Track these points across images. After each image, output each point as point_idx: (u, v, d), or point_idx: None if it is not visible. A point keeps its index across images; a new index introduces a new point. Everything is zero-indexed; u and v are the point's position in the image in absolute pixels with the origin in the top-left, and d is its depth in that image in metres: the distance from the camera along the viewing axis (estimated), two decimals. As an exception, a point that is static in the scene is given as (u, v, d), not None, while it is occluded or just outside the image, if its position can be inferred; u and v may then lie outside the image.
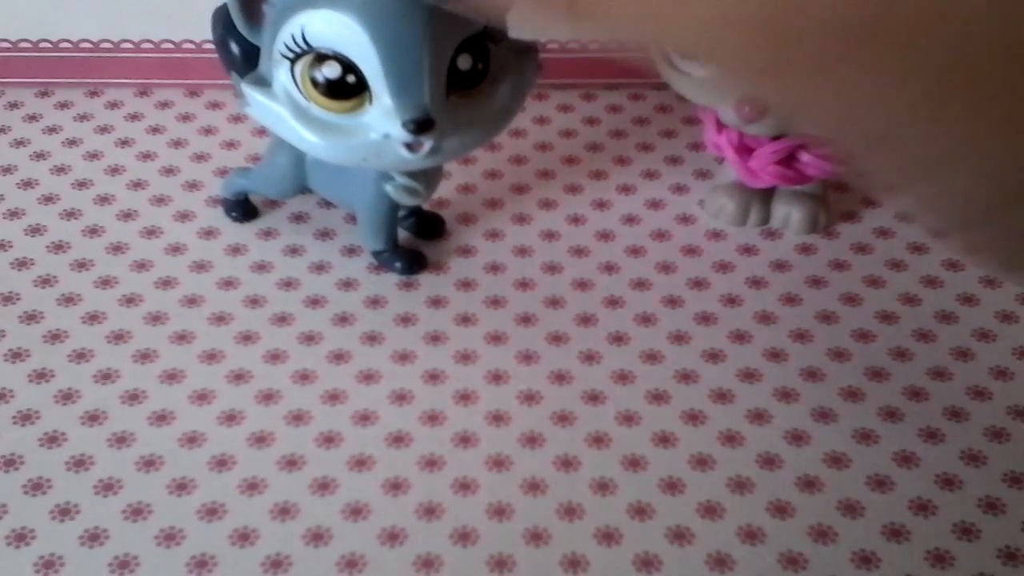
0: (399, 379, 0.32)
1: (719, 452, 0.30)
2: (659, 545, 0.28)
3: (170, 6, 0.41)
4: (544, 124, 0.42)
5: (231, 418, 0.31)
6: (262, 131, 0.40)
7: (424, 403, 0.31)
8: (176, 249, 0.36)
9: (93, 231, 0.36)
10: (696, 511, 0.28)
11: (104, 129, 0.41)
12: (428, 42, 0.28)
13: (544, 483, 0.29)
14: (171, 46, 0.42)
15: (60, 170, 0.39)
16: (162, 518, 0.28)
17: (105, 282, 0.35)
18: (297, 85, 0.29)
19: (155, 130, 0.41)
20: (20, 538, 0.27)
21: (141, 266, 0.35)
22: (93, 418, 0.30)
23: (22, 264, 0.35)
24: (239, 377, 0.32)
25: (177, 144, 0.40)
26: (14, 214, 0.37)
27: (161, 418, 0.30)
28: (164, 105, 0.42)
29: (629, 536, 0.28)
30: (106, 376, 0.32)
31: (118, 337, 0.33)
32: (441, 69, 0.28)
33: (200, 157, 0.40)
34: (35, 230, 0.36)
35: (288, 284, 0.35)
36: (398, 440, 0.30)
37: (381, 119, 0.29)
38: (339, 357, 0.32)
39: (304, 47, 0.28)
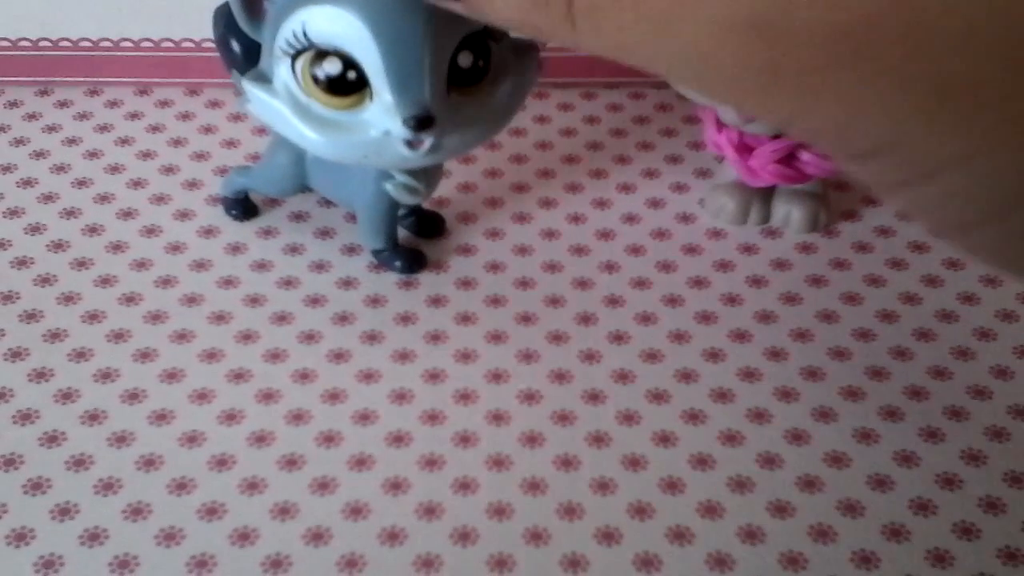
0: (399, 378, 0.32)
1: (719, 451, 0.30)
2: (659, 545, 0.28)
3: (170, 5, 0.41)
4: (544, 123, 0.42)
5: (231, 417, 0.31)
6: (262, 130, 0.40)
7: (424, 402, 0.31)
8: (176, 248, 0.36)
9: (93, 230, 0.36)
10: (696, 511, 0.28)
11: (104, 128, 0.41)
12: (429, 39, 0.28)
13: (544, 483, 0.29)
14: (171, 45, 0.42)
15: (60, 169, 0.39)
16: (162, 518, 0.28)
17: (105, 281, 0.35)
18: (298, 81, 0.29)
19: (155, 129, 0.41)
20: (20, 538, 0.27)
21: (141, 265, 0.35)
22: (93, 417, 0.30)
23: (22, 263, 0.35)
24: (239, 376, 0.32)
25: (177, 143, 0.40)
26: (13, 213, 0.37)
27: (161, 417, 0.30)
28: (164, 104, 0.42)
29: (629, 536, 0.28)
30: (106, 375, 0.32)
31: (118, 336, 0.33)
32: (442, 66, 0.28)
33: (200, 156, 0.40)
34: (35, 229, 0.36)
35: (288, 283, 0.35)
36: (398, 440, 0.30)
37: (382, 116, 0.29)
38: (339, 356, 0.32)
39: (305, 43, 0.28)
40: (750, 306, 0.34)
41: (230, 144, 0.40)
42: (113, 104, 0.42)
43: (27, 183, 0.38)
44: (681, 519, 0.28)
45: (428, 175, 0.33)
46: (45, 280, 0.35)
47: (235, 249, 0.36)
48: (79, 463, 0.29)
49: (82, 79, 0.42)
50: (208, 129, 0.41)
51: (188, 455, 0.30)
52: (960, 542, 0.28)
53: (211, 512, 0.28)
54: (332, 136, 0.29)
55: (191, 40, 0.42)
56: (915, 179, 0.21)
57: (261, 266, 0.35)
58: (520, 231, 0.37)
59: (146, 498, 0.28)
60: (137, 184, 0.38)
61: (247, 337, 0.33)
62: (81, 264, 0.35)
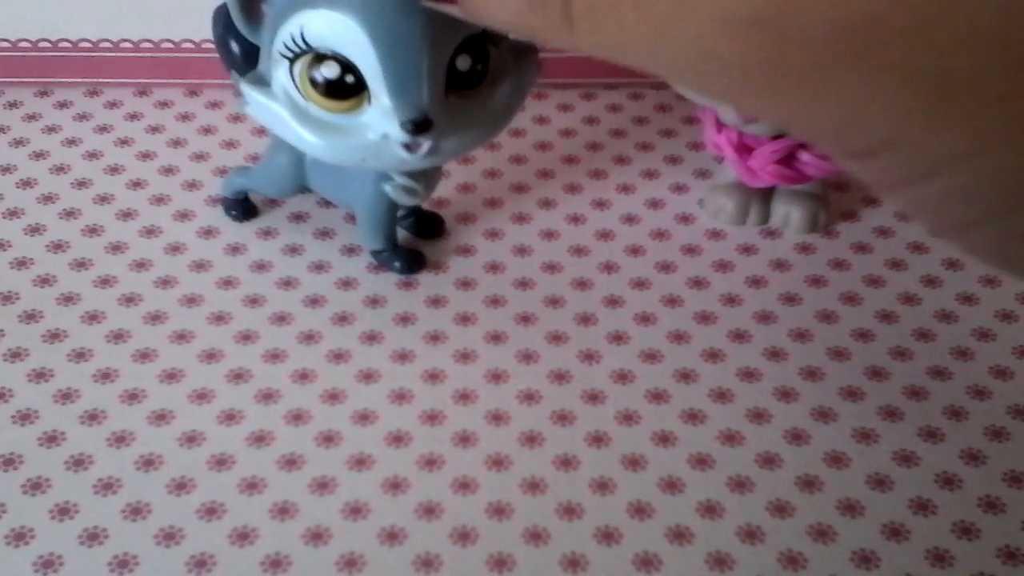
0: (398, 378, 0.32)
1: (719, 451, 0.30)
2: (659, 544, 0.28)
3: (169, 6, 0.41)
4: (544, 123, 0.42)
5: (230, 417, 0.31)
6: (261, 131, 0.40)
7: (424, 402, 0.31)
8: (175, 248, 0.36)
9: (92, 231, 0.36)
10: (696, 510, 0.28)
11: (103, 129, 0.41)
12: (427, 42, 0.28)
13: (544, 482, 0.29)
14: (170, 46, 0.42)
15: (59, 169, 0.39)
16: (161, 517, 0.28)
17: (104, 281, 0.35)
18: (296, 85, 0.29)
19: (154, 129, 0.41)
20: (19, 537, 0.27)
21: (140, 265, 0.35)
22: (92, 417, 0.30)
23: (21, 264, 0.35)
24: (238, 376, 0.32)
25: (176, 144, 0.40)
26: (13, 213, 0.37)
27: (160, 417, 0.30)
28: (163, 105, 0.42)
29: (629, 535, 0.28)
30: (105, 375, 0.32)
31: (117, 337, 0.33)
32: (440, 70, 0.28)
33: (199, 156, 0.40)
34: (34, 229, 0.36)
35: (287, 283, 0.35)
36: (397, 439, 0.30)
37: (379, 119, 0.29)
38: (338, 356, 0.32)
39: (303, 47, 0.28)
40: (749, 306, 0.34)
41: (230, 145, 0.40)
42: (113, 105, 0.42)
43: (27, 184, 0.38)
44: (681, 519, 0.28)
45: (427, 176, 0.33)
46: (45, 280, 0.35)
47: (235, 250, 0.36)
48: (79, 463, 0.29)
49: (82, 80, 0.42)
50: (208, 130, 0.41)
51: (188, 455, 0.30)
52: (960, 542, 0.28)
53: (211, 512, 0.28)
54: (330, 139, 0.29)
55: (191, 41, 0.42)
56: (915, 178, 0.20)
57: (261, 267, 0.35)
58: (520, 231, 0.37)
59: (145, 498, 0.28)
60: (137, 185, 0.38)
61: (247, 337, 0.33)
62: (81, 264, 0.35)
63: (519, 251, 0.36)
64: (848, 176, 0.38)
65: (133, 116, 0.42)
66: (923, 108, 0.19)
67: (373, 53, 0.28)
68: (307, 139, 0.29)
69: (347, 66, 0.28)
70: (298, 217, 0.37)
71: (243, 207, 0.37)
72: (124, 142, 0.40)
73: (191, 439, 0.30)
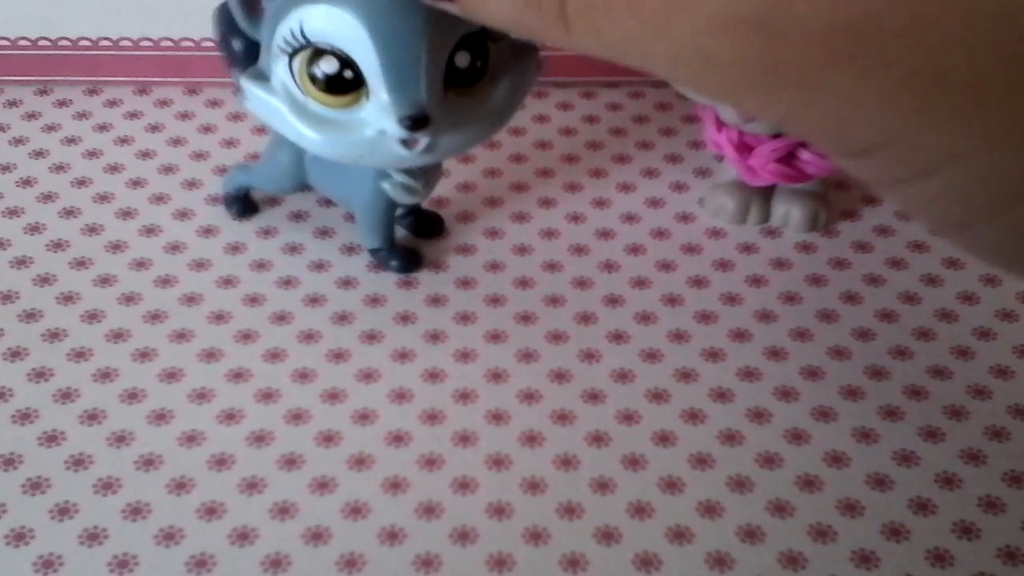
0: (398, 378, 0.32)
1: (719, 451, 0.30)
2: (659, 544, 0.28)
3: (169, 4, 0.41)
4: (543, 122, 0.42)
5: (230, 417, 0.31)
6: (261, 129, 0.40)
7: (423, 402, 0.31)
8: (175, 247, 0.36)
9: (92, 229, 0.36)
10: (696, 510, 0.28)
11: (103, 127, 0.41)
12: (426, 39, 0.28)
13: (544, 482, 0.29)
14: (170, 44, 0.42)
15: (59, 168, 0.39)
16: (161, 517, 0.28)
17: (104, 280, 0.35)
18: (295, 80, 0.29)
19: (154, 128, 0.41)
20: (19, 537, 0.27)
21: (140, 264, 0.35)
22: (92, 417, 0.30)
23: (21, 263, 0.35)
24: (238, 376, 0.32)
25: (176, 142, 0.40)
26: (13, 212, 0.37)
27: (160, 417, 0.30)
28: (163, 103, 0.42)
29: (629, 535, 0.28)
30: (105, 375, 0.32)
31: (117, 336, 0.33)
32: (439, 66, 0.28)
33: (199, 155, 0.40)
34: (34, 228, 0.36)
35: (287, 282, 0.35)
36: (397, 439, 0.30)
37: (377, 115, 0.29)
38: (338, 356, 0.32)
39: (302, 42, 0.28)
40: (750, 305, 0.34)
41: (229, 143, 0.40)
42: (112, 103, 0.42)
43: (26, 182, 0.38)
44: (681, 519, 0.28)
45: (426, 175, 0.33)
46: (44, 280, 0.34)
47: (234, 249, 0.36)
48: (78, 463, 0.29)
49: (81, 78, 0.42)
50: (207, 128, 0.41)
51: (187, 455, 0.30)
52: (960, 541, 0.28)
53: (210, 512, 0.28)
54: (328, 134, 0.29)
55: (190, 39, 0.42)
56: (913, 176, 0.20)
57: (260, 265, 0.35)
58: (519, 230, 0.37)
59: (145, 498, 0.28)
60: (136, 183, 0.38)
61: (246, 337, 0.33)
62: (80, 264, 0.35)
63: (519, 250, 0.36)
64: (848, 175, 0.38)
65: (133, 115, 0.42)
66: (920, 107, 0.19)
67: (372, 49, 0.28)
68: (305, 134, 0.29)
69: (346, 61, 0.28)
70: (298, 216, 0.37)
71: (244, 203, 0.37)
72: (124, 141, 0.40)
73: (191, 439, 0.30)
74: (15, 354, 0.32)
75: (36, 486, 0.29)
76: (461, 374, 0.32)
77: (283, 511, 0.28)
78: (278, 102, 0.29)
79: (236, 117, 0.41)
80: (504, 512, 0.28)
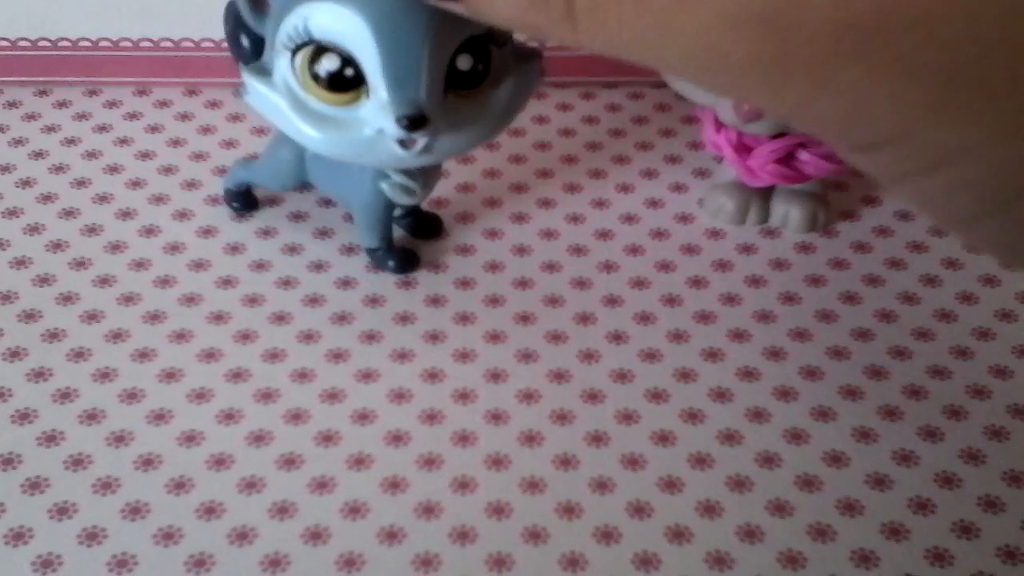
0: (398, 378, 0.32)
1: (718, 451, 0.30)
2: (658, 544, 0.28)
3: (169, 5, 0.41)
4: (543, 123, 0.42)
5: (229, 417, 0.31)
6: (261, 130, 0.40)
7: (423, 402, 0.31)
8: (175, 248, 0.36)
9: (92, 230, 0.36)
10: (695, 510, 0.28)
11: (103, 128, 0.41)
12: (429, 40, 0.28)
13: (543, 482, 0.29)
14: (170, 45, 0.42)
15: (58, 169, 0.39)
16: (160, 517, 0.28)
17: (104, 281, 0.35)
18: (296, 76, 0.29)
19: (154, 129, 0.41)
20: (18, 537, 0.27)
21: (140, 265, 0.35)
22: (91, 417, 0.30)
23: (20, 263, 0.35)
24: (237, 376, 0.32)
25: (176, 143, 0.40)
26: (12, 213, 0.37)
27: (159, 417, 0.30)
28: (163, 104, 0.42)
29: (628, 535, 0.28)
30: (104, 375, 0.32)
31: (116, 336, 0.33)
32: (440, 67, 0.28)
33: (199, 156, 0.40)
34: (33, 229, 0.36)
35: (287, 283, 0.35)
36: (397, 439, 0.30)
37: (376, 114, 0.29)
38: (338, 356, 0.32)
39: (306, 38, 0.28)
40: (749, 306, 0.34)
41: (229, 144, 0.40)
42: (112, 104, 0.42)
43: (26, 183, 0.38)
44: (680, 518, 0.28)
45: (425, 175, 0.33)
46: (44, 280, 0.34)
47: (234, 249, 0.36)
48: (78, 463, 0.29)
49: (81, 79, 0.42)
50: (207, 129, 0.41)
51: (187, 454, 0.29)
52: (959, 541, 0.28)
53: (210, 511, 0.28)
54: (327, 132, 0.29)
55: (190, 40, 0.42)
56: (921, 170, 0.20)
57: (260, 266, 0.35)
58: (519, 231, 0.37)
59: (144, 497, 0.28)
60: (136, 184, 0.38)
61: (246, 337, 0.33)
62: (80, 264, 0.35)
63: (518, 250, 0.36)
64: (847, 175, 0.38)
65: (132, 115, 0.42)
66: (929, 101, 0.19)
67: (374, 47, 0.28)
68: (304, 131, 0.29)
69: (347, 59, 0.28)
70: (297, 216, 0.37)
71: (245, 199, 0.37)
72: (123, 141, 0.40)
73: (190, 439, 0.30)
74: (14, 354, 0.32)
75: (35, 486, 0.29)
76: (460, 374, 0.32)
77: (282, 511, 0.28)
78: (279, 98, 0.29)
79: (235, 118, 0.41)
80: (503, 512, 0.28)
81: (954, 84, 0.19)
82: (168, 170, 0.39)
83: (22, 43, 0.42)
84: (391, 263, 0.35)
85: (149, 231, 0.36)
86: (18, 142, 0.40)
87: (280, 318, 0.34)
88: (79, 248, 0.36)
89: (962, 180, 0.20)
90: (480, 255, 0.36)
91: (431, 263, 0.36)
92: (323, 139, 0.29)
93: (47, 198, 0.38)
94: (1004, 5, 0.18)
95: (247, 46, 0.30)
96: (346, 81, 0.28)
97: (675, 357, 0.33)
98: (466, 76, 0.29)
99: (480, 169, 0.39)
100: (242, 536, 0.28)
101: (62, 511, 0.28)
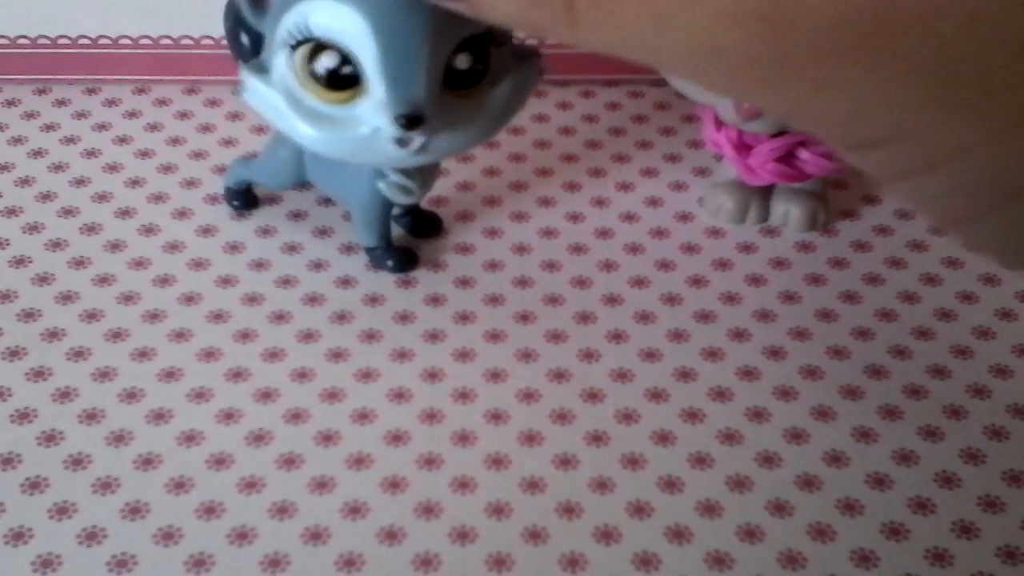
0: (397, 377, 0.32)
1: (718, 450, 0.30)
2: (658, 543, 0.28)
3: (168, 3, 0.41)
4: (543, 121, 0.42)
5: (229, 416, 0.30)
6: (260, 129, 0.40)
7: (423, 401, 0.31)
8: (174, 247, 0.36)
9: (91, 229, 0.36)
10: (695, 509, 0.28)
11: (102, 126, 0.41)
12: (428, 38, 0.28)
13: (543, 481, 0.29)
14: (169, 42, 0.42)
15: (58, 167, 0.39)
16: (160, 517, 0.28)
17: (103, 280, 0.35)
18: (294, 73, 0.29)
19: (153, 127, 0.41)
20: (18, 537, 0.27)
21: (139, 264, 0.35)
22: (91, 416, 0.30)
23: (20, 262, 0.35)
24: (237, 375, 0.32)
25: (175, 141, 0.40)
26: (12, 212, 0.37)
27: (159, 416, 0.30)
28: (162, 102, 0.42)
29: (628, 535, 0.28)
30: (104, 374, 0.32)
31: (116, 335, 0.33)
32: (438, 67, 0.28)
33: (198, 154, 0.40)
34: (33, 228, 0.36)
35: (286, 282, 0.35)
36: (396, 438, 0.30)
37: (373, 112, 0.29)
38: (337, 355, 0.32)
39: (306, 34, 0.28)
40: (749, 305, 0.34)
41: (228, 143, 0.40)
42: (111, 102, 0.42)
43: (25, 182, 0.38)
44: (680, 518, 0.28)
45: (423, 175, 0.33)
46: (43, 279, 0.34)
47: (233, 248, 0.36)
48: (77, 462, 0.29)
49: (80, 77, 0.42)
50: (206, 128, 0.41)
51: (186, 454, 0.29)
52: (959, 541, 0.28)
53: (209, 511, 0.28)
54: (324, 130, 0.29)
55: (190, 37, 0.42)
56: (920, 169, 0.20)
57: (259, 265, 0.35)
58: (519, 230, 0.37)
59: (144, 497, 0.28)
60: (135, 183, 0.38)
61: (245, 336, 0.33)
62: (79, 263, 0.35)
63: (518, 249, 0.36)
64: (848, 174, 0.38)
65: (132, 114, 0.42)
66: (929, 99, 0.19)
67: (373, 45, 0.28)
68: (300, 129, 0.29)
69: (346, 57, 0.28)
70: (297, 215, 0.37)
71: (245, 197, 0.37)
72: (123, 140, 0.40)
73: (190, 438, 0.30)
74: (14, 353, 0.32)
75: (35, 486, 0.29)
76: (460, 373, 0.32)
77: (282, 511, 0.28)
78: (276, 95, 0.29)
79: (235, 116, 0.41)
80: (503, 511, 0.28)
81: (954, 81, 0.19)
82: (167, 168, 0.39)
83: (21, 41, 0.42)
84: (390, 262, 0.35)
85: (148, 230, 0.36)
86: (17, 140, 0.40)
87: (280, 317, 0.33)
88: (78, 247, 0.36)
89: (961, 179, 0.20)
90: (480, 254, 0.36)
91: (430, 262, 0.35)
92: (320, 137, 0.29)
93: (46, 197, 0.38)
94: (1003, 3, 0.18)
95: (247, 43, 0.30)
96: (344, 79, 0.28)
97: (675, 356, 0.33)
98: (464, 75, 0.29)
99: (480, 167, 0.39)
100: (242, 536, 0.28)
101: (62, 511, 0.28)
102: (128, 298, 0.34)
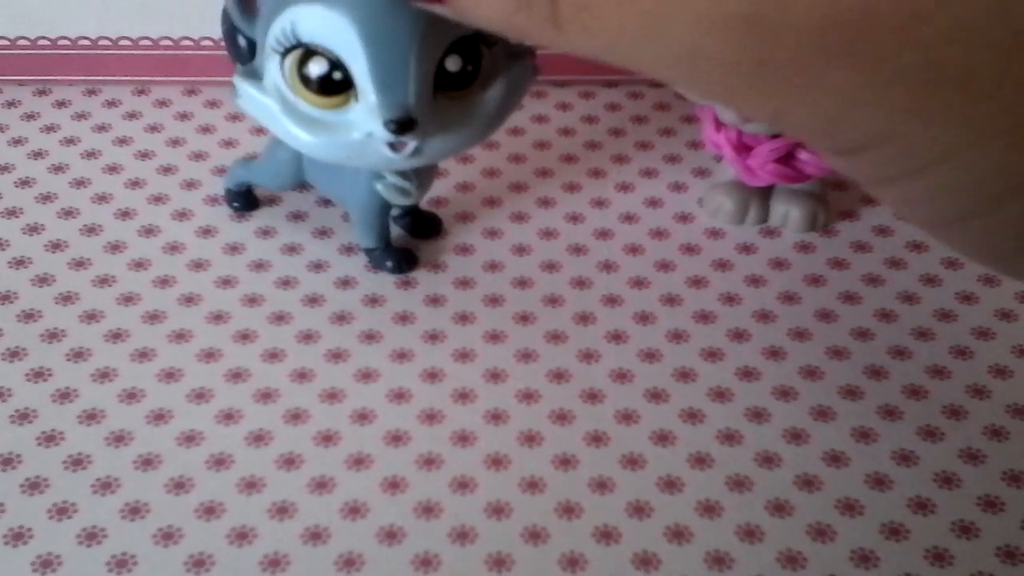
0: (397, 378, 0.32)
1: (718, 450, 0.30)
2: (658, 544, 0.28)
3: (169, 3, 0.41)
4: (542, 122, 0.42)
5: (229, 417, 0.31)
6: (260, 130, 0.40)
7: (422, 402, 0.31)
8: (174, 248, 0.36)
9: (91, 230, 0.36)
10: (695, 510, 0.28)
11: (102, 127, 0.41)
12: (416, 42, 0.28)
13: (543, 482, 0.29)
14: (169, 43, 0.42)
15: (58, 169, 0.39)
16: (160, 517, 0.28)
17: (103, 281, 0.35)
18: (286, 79, 0.29)
19: (153, 128, 0.41)
20: (18, 537, 0.27)
21: (139, 265, 0.35)
22: (91, 417, 0.30)
23: (20, 263, 0.35)
24: (237, 376, 0.32)
25: (175, 143, 0.40)
26: (12, 213, 0.37)
27: (159, 417, 0.30)
28: (162, 103, 0.42)
29: (628, 535, 0.28)
30: (104, 375, 0.32)
31: (116, 336, 0.33)
32: (428, 70, 0.28)
33: (198, 156, 0.40)
34: (33, 229, 0.36)
35: (286, 283, 0.35)
36: (396, 439, 0.30)
37: (365, 117, 0.29)
38: (337, 356, 0.32)
39: (294, 41, 0.28)
40: (748, 305, 0.34)
41: (228, 144, 0.40)
42: (111, 104, 0.42)
43: (25, 183, 0.38)
44: (680, 518, 0.28)
45: (420, 176, 0.33)
46: (43, 280, 0.34)
47: (233, 249, 0.36)
48: (77, 462, 0.29)
49: (80, 78, 0.42)
50: (206, 129, 0.41)
51: (186, 454, 0.29)
52: (959, 541, 0.28)
53: (209, 511, 0.28)
54: (318, 135, 0.29)
55: (190, 38, 0.42)
56: (905, 173, 0.20)
57: (259, 266, 0.35)
58: (518, 230, 0.37)
59: (144, 497, 0.28)
60: (135, 184, 0.38)
61: (245, 337, 0.33)
62: (79, 264, 0.35)
63: (518, 250, 0.36)
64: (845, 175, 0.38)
65: (132, 115, 0.42)
66: (912, 104, 0.19)
67: (361, 51, 0.28)
68: (294, 134, 0.29)
69: (336, 63, 0.28)
70: (297, 216, 0.37)
71: (245, 198, 0.37)
72: (123, 141, 0.40)
73: (190, 439, 0.30)
74: (14, 354, 0.32)
75: (35, 486, 0.29)
76: (460, 374, 0.32)
77: (282, 511, 0.28)
78: (269, 101, 0.30)
79: (235, 117, 0.41)
80: (503, 512, 0.28)
81: (938, 86, 0.19)
82: (167, 170, 0.39)
83: (21, 42, 0.42)
84: (389, 263, 0.35)
85: (148, 231, 0.36)
86: (17, 141, 0.40)
87: (279, 318, 0.34)
88: (78, 248, 0.36)
89: (946, 183, 0.20)
90: (479, 255, 0.36)
91: (430, 263, 0.36)
92: (314, 142, 0.29)
93: (46, 198, 0.38)
94: (988, 7, 0.18)
95: (244, 47, 0.30)
96: (335, 84, 0.28)
97: (675, 357, 0.33)
98: (456, 77, 0.29)
99: (479, 168, 0.39)
100: (242, 536, 0.28)
101: (62, 511, 0.28)
102: (128, 299, 0.34)
